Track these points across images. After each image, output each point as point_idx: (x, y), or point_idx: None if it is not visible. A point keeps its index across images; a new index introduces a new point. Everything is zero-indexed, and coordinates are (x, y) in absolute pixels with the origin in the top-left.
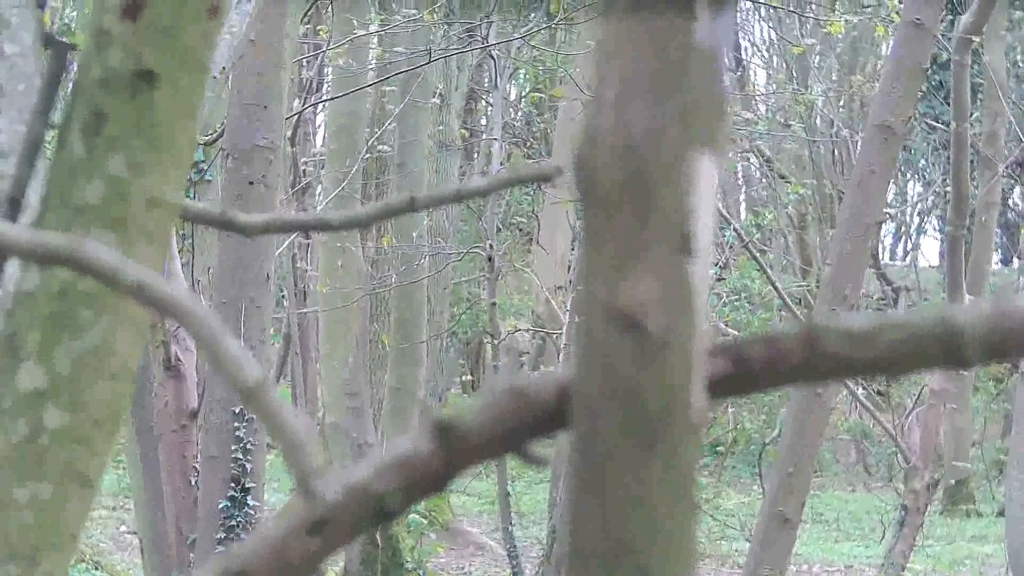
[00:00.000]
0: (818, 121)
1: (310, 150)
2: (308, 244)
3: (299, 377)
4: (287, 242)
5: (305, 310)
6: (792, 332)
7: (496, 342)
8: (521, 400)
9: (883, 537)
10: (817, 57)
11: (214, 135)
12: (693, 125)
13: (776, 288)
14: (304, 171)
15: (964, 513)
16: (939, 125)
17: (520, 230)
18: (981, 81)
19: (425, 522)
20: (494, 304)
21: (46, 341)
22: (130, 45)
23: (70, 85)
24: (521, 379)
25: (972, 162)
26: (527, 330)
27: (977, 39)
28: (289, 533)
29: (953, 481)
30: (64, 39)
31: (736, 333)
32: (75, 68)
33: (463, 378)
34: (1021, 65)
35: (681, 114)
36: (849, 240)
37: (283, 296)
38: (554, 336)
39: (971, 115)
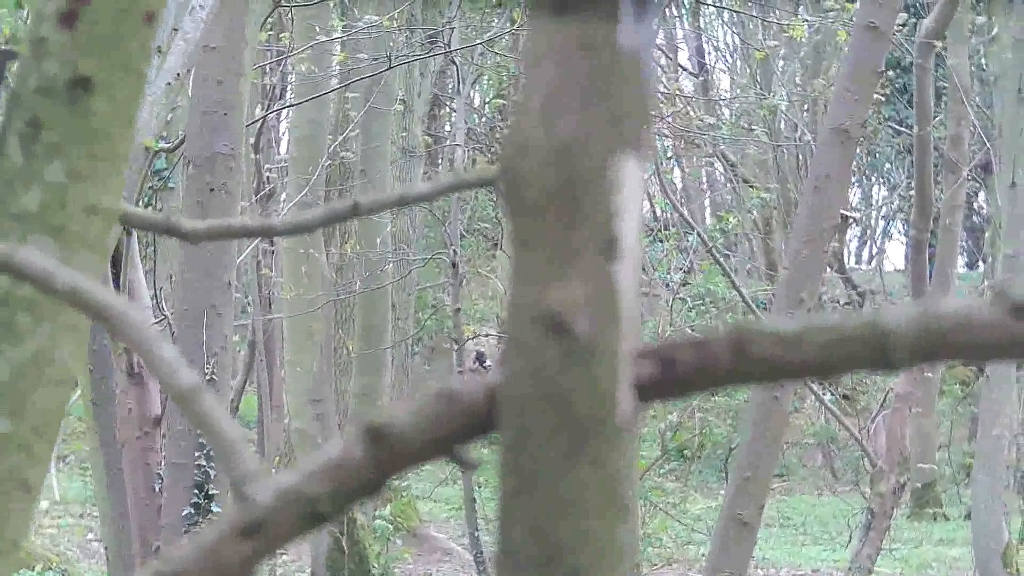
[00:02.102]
0: (782, 125)
1: (274, 157)
2: (273, 251)
3: (265, 385)
4: (250, 247)
5: (270, 316)
6: (721, 335)
7: (457, 347)
8: (452, 404)
9: (850, 540)
10: (781, 62)
11: (176, 143)
12: (619, 130)
13: (740, 292)
14: (268, 178)
15: (931, 517)
16: (903, 129)
17: (484, 236)
18: (945, 85)
19: (391, 527)
20: (458, 310)
21: None
22: (67, 53)
23: (8, 93)
24: (452, 382)
25: (936, 166)
26: (486, 335)
27: (940, 44)
28: (222, 536)
29: (920, 484)
30: (9, 47)
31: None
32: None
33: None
34: (984, 69)
35: (608, 119)
36: (805, 244)
37: (248, 303)
38: None
39: (935, 119)
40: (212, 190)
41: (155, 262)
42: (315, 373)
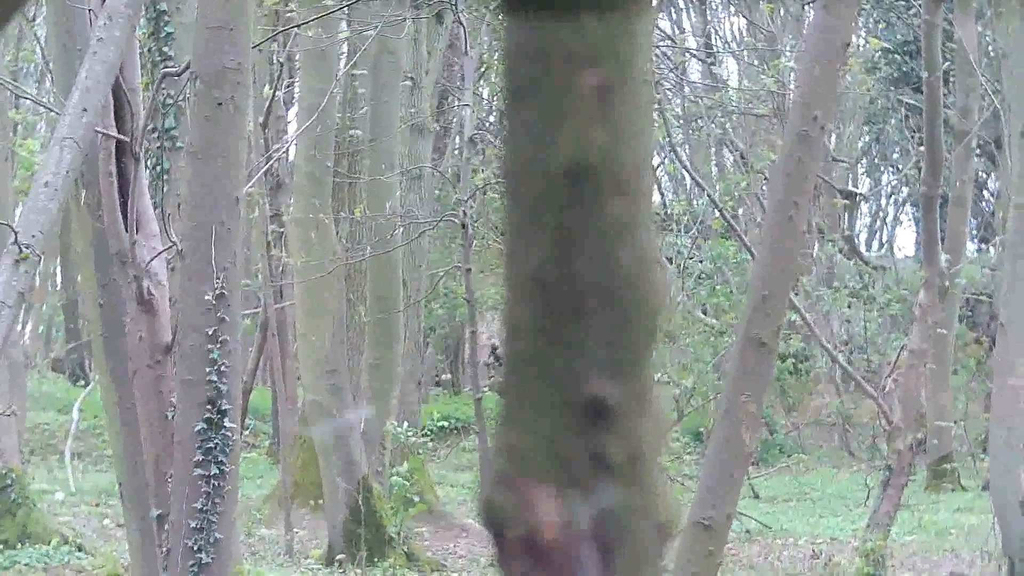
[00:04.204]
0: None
1: (283, 137)
2: (283, 232)
3: (278, 369)
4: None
5: (282, 283)
6: None
7: (471, 332)
8: None
9: (867, 499)
10: (789, 40)
11: (182, 68)
12: None
13: (751, 252)
14: (277, 170)
15: (948, 490)
16: (911, 101)
17: (495, 226)
18: (953, 67)
19: (407, 484)
20: (469, 271)
21: None
22: None
23: None
24: None
25: (948, 144)
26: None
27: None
28: None
29: (937, 456)
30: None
31: (715, 322)
32: None
33: (442, 376)
34: (989, 40)
35: None
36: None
37: (260, 288)
38: None
39: (944, 97)
40: (220, 104)
41: (164, 189)
42: (328, 345)
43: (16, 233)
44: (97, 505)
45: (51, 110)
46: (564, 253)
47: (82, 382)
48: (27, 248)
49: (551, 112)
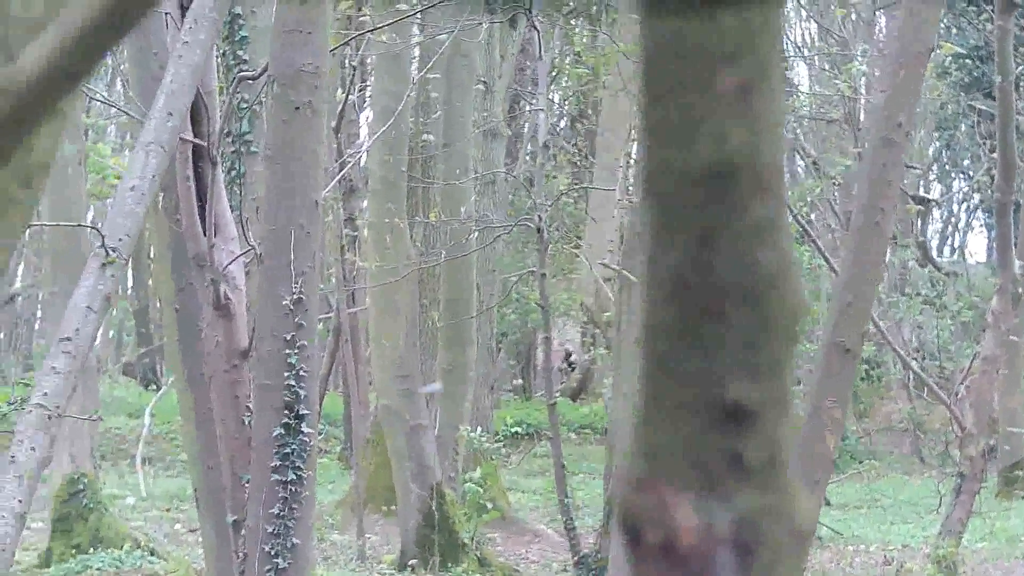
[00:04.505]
0: (862, 115)
1: (355, 142)
2: (355, 236)
3: (351, 374)
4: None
5: (355, 287)
6: None
7: (546, 337)
8: None
9: (939, 505)
10: (861, 46)
11: (259, 71)
12: None
13: (826, 258)
14: (350, 176)
15: (1020, 497)
16: (982, 107)
17: (568, 230)
18: None
19: (481, 491)
20: (544, 276)
21: None
22: None
23: None
24: None
25: (1021, 150)
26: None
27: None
28: None
29: (1009, 463)
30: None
31: None
32: None
33: (514, 381)
34: None
35: None
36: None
37: (332, 292)
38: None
39: (1016, 103)
40: (297, 108)
41: (240, 193)
42: (401, 349)
43: (103, 236)
44: (168, 510)
45: (126, 113)
46: (705, 254)
47: (153, 387)
48: (113, 252)
49: (690, 112)
